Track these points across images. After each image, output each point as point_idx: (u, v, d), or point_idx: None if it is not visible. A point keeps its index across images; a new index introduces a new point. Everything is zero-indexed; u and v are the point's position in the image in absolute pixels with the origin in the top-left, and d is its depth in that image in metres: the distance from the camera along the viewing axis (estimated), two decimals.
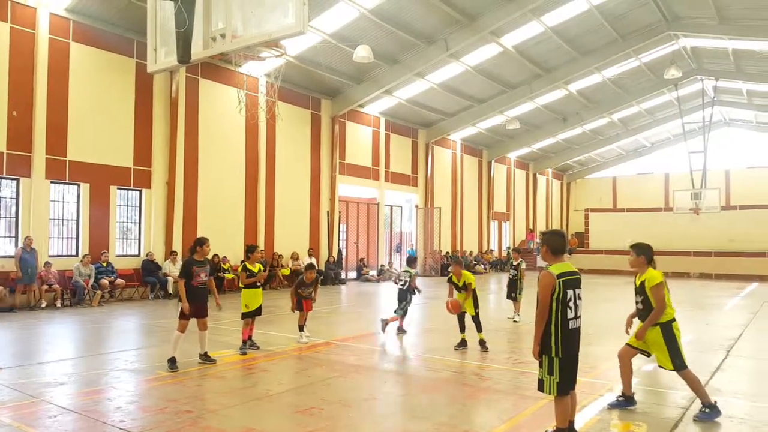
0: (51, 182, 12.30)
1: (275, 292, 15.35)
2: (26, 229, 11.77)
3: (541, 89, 21.11)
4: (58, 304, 11.67)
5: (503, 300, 10.78)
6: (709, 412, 4.60)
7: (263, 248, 16.43)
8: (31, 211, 11.87)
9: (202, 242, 6.44)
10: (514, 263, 10.47)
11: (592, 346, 7.73)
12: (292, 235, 17.76)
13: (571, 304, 3.77)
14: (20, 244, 11.49)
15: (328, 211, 19.09)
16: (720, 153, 28.78)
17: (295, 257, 17.43)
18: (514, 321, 9.93)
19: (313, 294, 7.86)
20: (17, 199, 11.88)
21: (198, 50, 5.16)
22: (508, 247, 28.72)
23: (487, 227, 28.41)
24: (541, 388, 3.84)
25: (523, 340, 8.47)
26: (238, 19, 4.99)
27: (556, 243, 3.85)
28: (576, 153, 31.60)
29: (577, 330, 3.84)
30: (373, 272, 20.81)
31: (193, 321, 6.38)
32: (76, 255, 12.62)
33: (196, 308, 6.31)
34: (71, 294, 12.06)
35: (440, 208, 23.90)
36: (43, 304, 11.45)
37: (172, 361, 6.15)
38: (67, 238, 12.82)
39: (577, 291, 3.84)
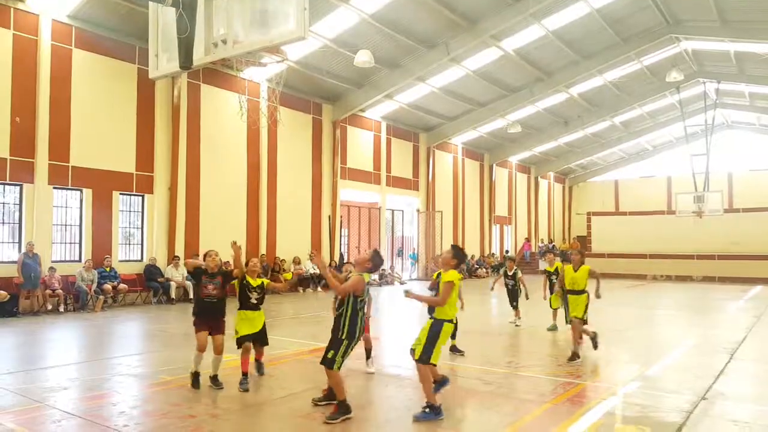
0: (54, 188, 12.35)
1: (277, 296, 15.35)
2: (29, 235, 11.81)
3: (543, 93, 21.11)
4: (62, 309, 11.69)
5: (505, 304, 10.73)
6: (429, 412, 4.66)
7: (264, 253, 16.46)
8: (35, 217, 11.91)
9: (205, 255, 5.76)
10: (509, 273, 10.05)
11: (593, 350, 7.70)
12: (294, 240, 17.77)
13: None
14: (23, 250, 11.54)
15: (329, 216, 19.12)
16: (722, 156, 28.65)
17: (296, 262, 17.45)
18: (516, 325, 9.85)
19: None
20: (20, 204, 11.93)
21: (199, 56, 5.19)
22: (507, 252, 28.59)
23: (489, 231, 28.36)
24: (331, 364, 4.61)
25: (524, 344, 8.44)
26: (239, 25, 5.02)
27: (379, 262, 4.87)
28: (578, 156, 31.58)
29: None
30: (375, 276, 20.80)
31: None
32: (79, 260, 12.65)
33: (208, 323, 5.59)
34: (74, 299, 12.08)
35: (442, 212, 23.89)
36: (50, 307, 11.48)
37: (195, 377, 5.60)
38: (70, 243, 12.86)
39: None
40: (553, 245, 31.44)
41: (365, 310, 4.94)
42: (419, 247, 23.74)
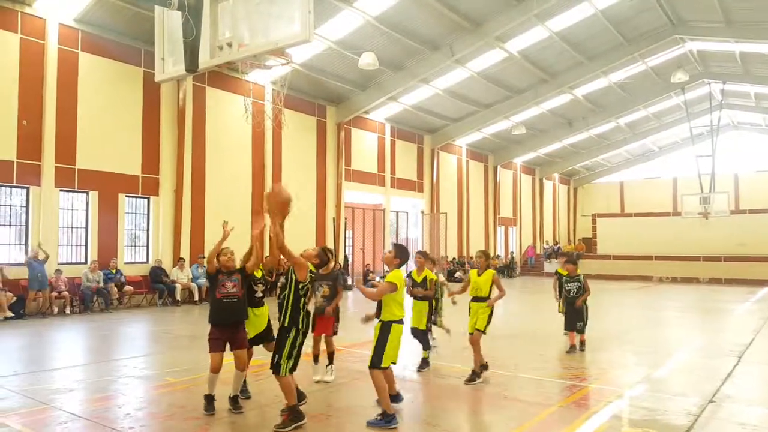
0: (60, 190, 12.44)
1: None
2: (36, 237, 11.87)
3: (547, 94, 21.08)
4: (68, 311, 11.75)
5: (509, 304, 10.64)
6: (380, 419, 4.53)
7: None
8: (41, 219, 12.00)
9: (218, 255, 5.13)
10: (428, 277, 7.27)
11: (599, 352, 7.67)
12: (299, 242, 17.55)
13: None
14: (29, 253, 11.62)
15: (333, 218, 19.13)
16: (728, 156, 28.54)
17: None
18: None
19: (324, 300, 5.74)
20: (27, 207, 12.02)
21: (205, 59, 5.21)
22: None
23: (494, 233, 28.31)
24: (277, 370, 4.39)
25: (528, 347, 8.41)
26: (245, 28, 5.04)
27: (326, 260, 5.22)
28: (583, 158, 31.48)
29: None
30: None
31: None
32: (86, 262, 12.72)
33: (225, 335, 4.91)
34: (80, 301, 12.15)
35: (446, 213, 23.86)
36: (55, 311, 11.55)
37: (209, 400, 4.88)
38: (77, 245, 12.94)
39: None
40: (559, 247, 31.34)
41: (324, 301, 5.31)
42: (424, 249, 23.67)
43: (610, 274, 25.07)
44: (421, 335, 6.60)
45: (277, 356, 4.40)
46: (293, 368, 4.44)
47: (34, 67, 11.95)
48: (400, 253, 4.87)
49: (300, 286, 4.58)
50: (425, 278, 6.52)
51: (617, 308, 14.16)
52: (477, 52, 17.02)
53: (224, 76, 15.40)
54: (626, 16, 16.69)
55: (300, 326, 4.49)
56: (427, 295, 6.56)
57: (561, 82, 20.30)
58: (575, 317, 7.71)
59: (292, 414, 4.40)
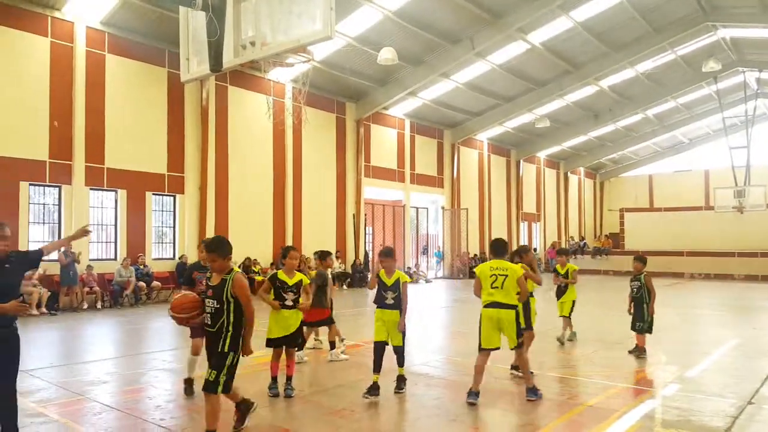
0: (90, 189, 12.80)
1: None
2: (68, 234, 12.25)
3: (571, 86, 20.63)
4: (99, 306, 12.11)
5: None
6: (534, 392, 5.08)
7: None
8: (73, 217, 12.38)
9: (202, 246, 4.90)
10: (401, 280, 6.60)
11: (626, 352, 7.46)
12: (319, 238, 17.89)
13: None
14: (62, 249, 11.99)
15: (353, 214, 19.18)
16: (764, 148, 27.42)
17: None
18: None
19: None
20: (59, 205, 12.42)
21: (229, 58, 5.25)
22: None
23: (517, 228, 27.94)
24: (215, 389, 3.92)
25: (555, 346, 8.26)
26: (267, 27, 5.06)
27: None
28: (609, 151, 30.73)
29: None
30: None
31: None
32: (115, 259, 13.08)
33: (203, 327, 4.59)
34: (111, 296, 12.50)
35: (467, 209, 23.66)
36: (85, 306, 11.93)
37: (189, 383, 5.13)
38: (106, 242, 13.32)
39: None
40: (585, 242, 30.71)
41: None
42: (444, 245, 23.55)
43: None
44: (396, 351, 5.40)
45: (214, 374, 3.97)
46: (226, 388, 4.01)
47: (63, 69, 12.30)
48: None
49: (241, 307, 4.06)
50: (397, 280, 5.36)
51: None
52: (498, 44, 16.76)
53: (246, 75, 15.56)
54: (654, 4, 16.17)
55: (239, 347, 4.08)
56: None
57: (586, 73, 19.82)
58: (636, 317, 7.37)
59: (241, 412, 4.29)
